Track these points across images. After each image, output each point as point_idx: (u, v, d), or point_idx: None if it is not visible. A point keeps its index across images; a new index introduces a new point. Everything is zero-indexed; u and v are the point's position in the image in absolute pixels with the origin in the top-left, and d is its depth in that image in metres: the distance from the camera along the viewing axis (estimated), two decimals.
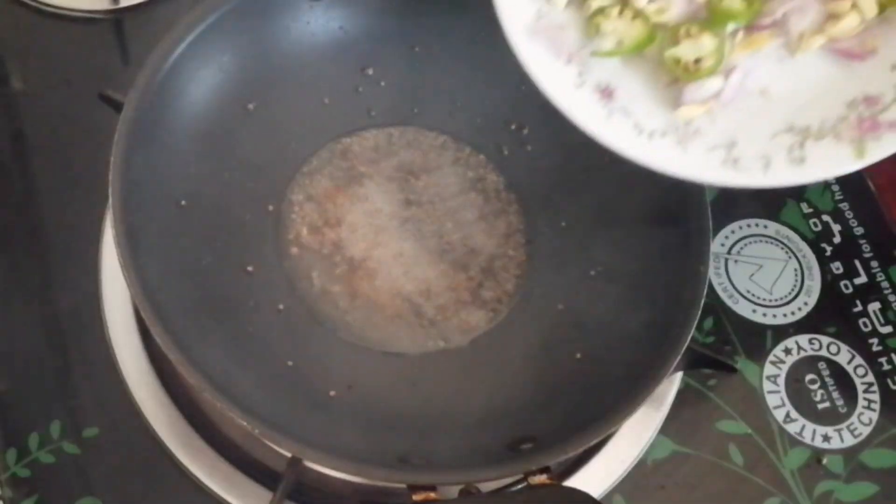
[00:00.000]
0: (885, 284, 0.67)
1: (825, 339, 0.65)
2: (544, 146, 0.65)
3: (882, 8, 0.48)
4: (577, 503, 0.46)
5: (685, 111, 0.49)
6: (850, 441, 0.61)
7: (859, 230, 0.69)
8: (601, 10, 0.50)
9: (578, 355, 0.57)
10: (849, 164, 0.46)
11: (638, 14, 0.50)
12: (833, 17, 0.48)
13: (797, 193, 0.70)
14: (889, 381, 0.63)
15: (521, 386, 0.56)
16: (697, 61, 0.49)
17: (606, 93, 0.50)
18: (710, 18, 0.49)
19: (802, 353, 0.64)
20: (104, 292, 0.61)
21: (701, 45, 0.49)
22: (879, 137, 0.46)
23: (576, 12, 0.51)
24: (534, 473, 0.48)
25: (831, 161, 0.47)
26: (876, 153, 0.46)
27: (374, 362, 0.58)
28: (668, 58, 0.49)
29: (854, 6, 0.48)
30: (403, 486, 0.48)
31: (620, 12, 0.50)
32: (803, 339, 0.65)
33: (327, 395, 0.55)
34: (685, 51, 0.49)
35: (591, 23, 0.50)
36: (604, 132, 0.49)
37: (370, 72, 0.66)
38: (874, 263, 0.67)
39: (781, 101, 0.49)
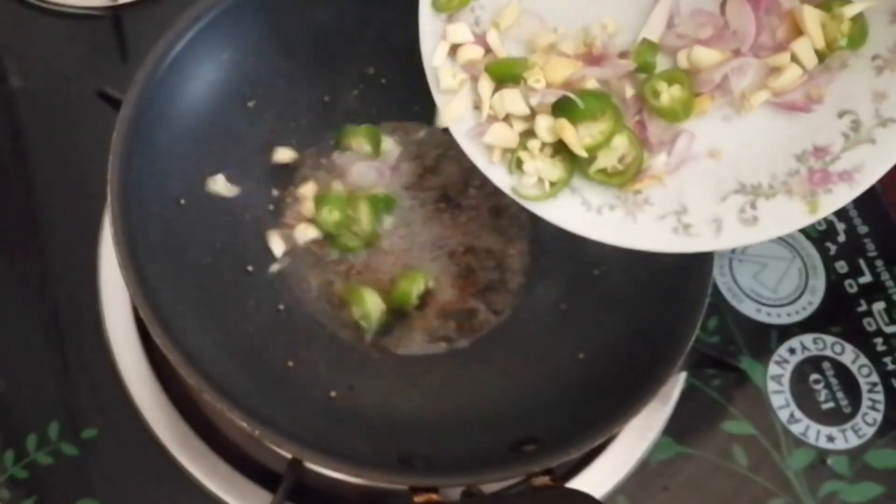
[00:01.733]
0: (889, 284, 0.66)
1: (829, 339, 0.64)
2: None
3: (821, 57, 0.47)
4: None
5: (634, 187, 0.49)
6: (854, 441, 0.61)
7: (864, 229, 0.68)
8: (523, 144, 0.50)
9: (581, 355, 0.57)
10: (802, 219, 0.46)
11: (557, 152, 0.50)
12: (774, 71, 0.48)
13: None
14: (894, 380, 0.63)
15: (523, 387, 0.56)
16: (621, 160, 0.49)
17: None
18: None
19: (807, 353, 0.64)
20: (103, 292, 0.61)
21: (615, 148, 0.49)
22: (831, 190, 0.46)
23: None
24: (536, 475, 0.48)
25: (784, 219, 0.47)
26: (828, 206, 0.46)
27: (375, 363, 0.58)
28: (595, 176, 0.49)
29: (793, 58, 0.47)
30: (405, 487, 0.47)
31: (541, 149, 0.50)
32: (808, 338, 0.64)
33: (328, 396, 0.55)
34: (604, 160, 0.49)
35: (513, 158, 0.50)
36: (551, 212, 0.49)
37: (371, 70, 0.65)
38: (879, 263, 0.67)
39: (731, 160, 0.49)
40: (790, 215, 0.46)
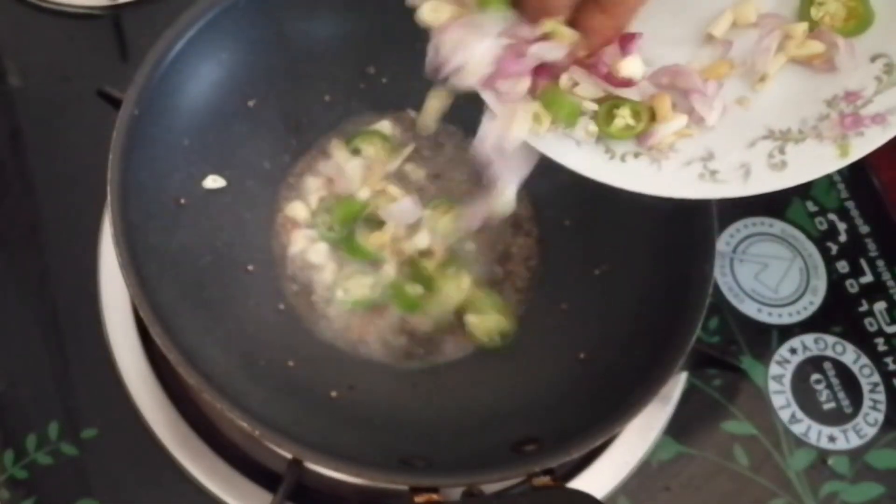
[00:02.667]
0: (890, 284, 0.66)
1: (831, 339, 0.64)
2: None
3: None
4: None
5: (659, 144, 0.48)
6: (855, 442, 0.61)
7: (865, 229, 0.68)
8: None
9: (582, 355, 0.57)
10: (832, 163, 0.45)
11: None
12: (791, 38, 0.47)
13: (803, 192, 0.69)
14: (895, 380, 0.63)
15: (523, 387, 0.56)
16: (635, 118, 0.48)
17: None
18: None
19: (808, 353, 0.64)
20: (103, 292, 0.61)
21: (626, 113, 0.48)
22: (863, 133, 0.45)
23: None
24: (537, 475, 0.48)
25: (814, 163, 0.46)
26: (860, 149, 0.45)
27: (375, 363, 0.58)
28: (615, 132, 0.48)
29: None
30: (405, 487, 0.47)
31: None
32: (809, 338, 0.64)
33: (328, 396, 0.55)
34: (622, 119, 0.48)
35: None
36: (575, 160, 0.48)
37: (371, 69, 0.65)
38: (880, 263, 0.67)
39: (759, 107, 0.48)
40: (820, 159, 0.45)
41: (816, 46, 0.47)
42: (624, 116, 0.47)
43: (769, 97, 0.48)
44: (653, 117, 0.47)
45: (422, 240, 0.60)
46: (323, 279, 0.59)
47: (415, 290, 0.59)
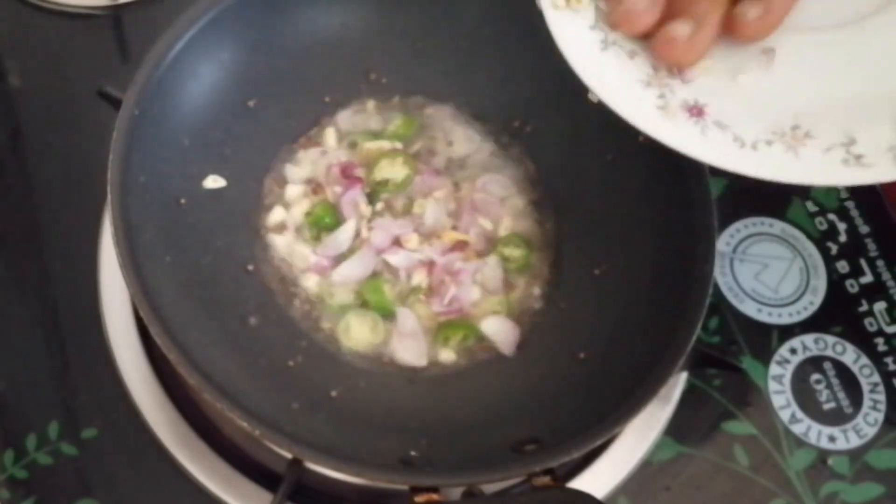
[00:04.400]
0: (891, 284, 0.66)
1: (831, 339, 0.64)
2: (547, 144, 0.64)
3: None
4: None
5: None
6: (855, 442, 0.61)
7: (865, 229, 0.68)
8: None
9: (582, 355, 0.57)
10: None
11: None
12: None
13: (803, 192, 0.69)
14: (895, 381, 0.63)
15: (524, 387, 0.56)
16: None
17: (696, 110, 0.47)
18: None
19: (808, 353, 0.64)
20: (103, 291, 0.61)
21: None
22: None
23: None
24: (537, 475, 0.48)
25: None
26: None
27: (375, 363, 0.58)
28: None
29: None
30: (405, 487, 0.47)
31: None
32: (809, 338, 0.64)
33: (328, 396, 0.55)
34: None
35: None
36: (703, 151, 0.47)
37: (371, 69, 0.65)
38: (880, 263, 0.67)
39: None
40: None
41: None
42: None
43: None
44: None
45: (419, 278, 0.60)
46: (309, 286, 0.59)
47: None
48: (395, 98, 0.65)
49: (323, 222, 0.60)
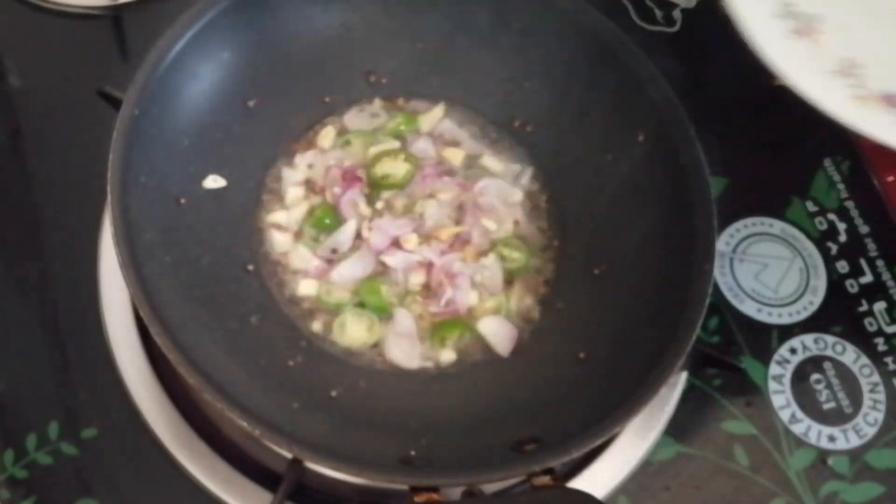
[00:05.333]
0: (890, 284, 0.66)
1: (831, 339, 0.64)
2: (546, 144, 0.64)
3: None
4: None
5: None
6: (855, 441, 0.61)
7: (865, 229, 0.68)
8: None
9: (582, 355, 0.57)
10: None
11: None
12: None
13: (803, 191, 0.69)
14: (895, 380, 0.63)
15: (523, 386, 0.56)
16: None
17: (891, 100, 0.46)
18: None
19: (808, 353, 0.64)
20: (103, 291, 0.61)
21: None
22: None
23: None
24: (537, 475, 0.48)
25: None
26: None
27: (375, 363, 0.57)
28: None
29: None
30: (405, 487, 0.47)
31: None
32: (809, 338, 0.64)
33: (328, 396, 0.55)
34: None
35: None
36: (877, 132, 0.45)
37: (372, 69, 0.65)
38: (880, 263, 0.67)
39: None
40: None
41: None
42: None
43: None
44: None
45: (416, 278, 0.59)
46: (308, 286, 0.59)
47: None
48: (395, 99, 0.65)
49: (323, 223, 0.60)
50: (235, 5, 0.58)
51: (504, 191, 0.63)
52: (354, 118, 0.65)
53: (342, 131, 0.64)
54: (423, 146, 0.64)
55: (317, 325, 0.58)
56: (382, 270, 0.60)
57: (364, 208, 0.61)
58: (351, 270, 0.59)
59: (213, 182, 0.59)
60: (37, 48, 0.70)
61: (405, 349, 0.57)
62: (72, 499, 0.56)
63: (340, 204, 0.61)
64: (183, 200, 0.57)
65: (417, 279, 0.59)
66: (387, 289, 0.59)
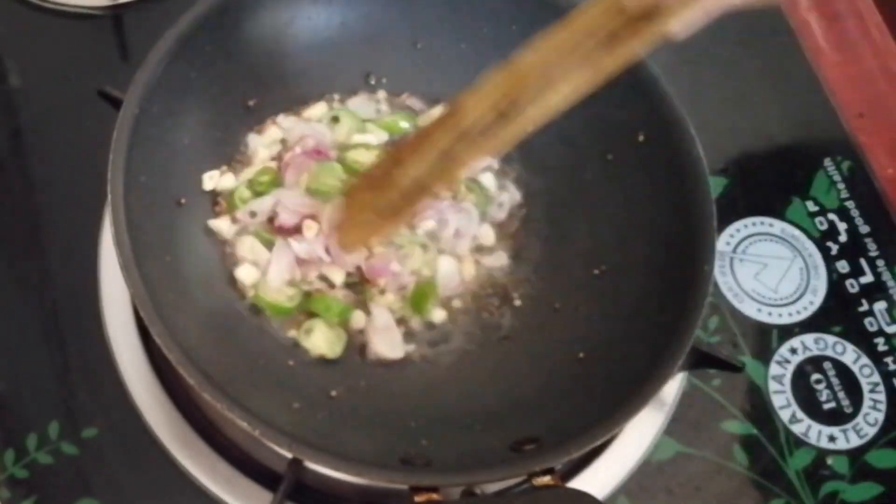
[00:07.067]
0: (891, 284, 0.66)
1: (831, 339, 0.64)
2: (546, 144, 0.64)
3: None
4: None
5: None
6: (855, 441, 0.61)
7: (865, 229, 0.68)
8: None
9: (581, 355, 0.57)
10: None
11: None
12: None
13: (803, 191, 0.69)
14: (895, 380, 0.63)
15: (523, 386, 0.56)
16: None
17: None
18: None
19: (808, 353, 0.64)
20: (103, 291, 0.61)
21: None
22: None
23: None
24: (537, 475, 0.48)
25: None
26: None
27: (375, 363, 0.57)
28: None
29: None
30: (405, 487, 0.47)
31: None
32: (809, 338, 0.64)
33: (328, 395, 0.55)
34: None
35: None
36: None
37: (371, 69, 0.65)
38: (880, 262, 0.67)
39: None
40: None
41: None
42: None
43: None
44: None
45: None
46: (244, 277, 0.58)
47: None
48: (394, 98, 0.65)
49: (258, 186, 0.58)
50: (235, 5, 0.58)
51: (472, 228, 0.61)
52: (359, 104, 0.64)
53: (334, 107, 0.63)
54: None
55: (292, 332, 0.57)
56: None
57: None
58: (277, 268, 0.56)
59: (213, 182, 0.59)
60: (37, 48, 0.70)
61: (387, 341, 0.57)
62: (72, 499, 0.56)
63: (287, 170, 0.58)
64: (183, 200, 0.57)
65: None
66: (333, 300, 0.57)
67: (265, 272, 0.57)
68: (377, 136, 0.63)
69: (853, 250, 0.67)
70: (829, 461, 0.60)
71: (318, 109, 0.63)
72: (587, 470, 0.58)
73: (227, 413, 0.47)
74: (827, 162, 0.71)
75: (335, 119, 0.63)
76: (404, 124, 0.64)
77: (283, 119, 0.62)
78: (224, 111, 0.60)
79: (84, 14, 0.72)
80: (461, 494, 0.49)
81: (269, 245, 0.58)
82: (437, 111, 0.65)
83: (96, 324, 0.60)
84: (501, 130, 0.47)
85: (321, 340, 0.57)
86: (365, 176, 0.56)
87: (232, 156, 0.61)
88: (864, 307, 0.65)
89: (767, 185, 0.70)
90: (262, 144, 0.61)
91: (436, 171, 0.49)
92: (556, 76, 0.45)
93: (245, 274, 0.57)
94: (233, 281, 0.57)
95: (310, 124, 0.62)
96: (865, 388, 0.63)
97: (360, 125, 0.63)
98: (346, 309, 0.57)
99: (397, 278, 0.58)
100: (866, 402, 0.62)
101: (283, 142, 0.61)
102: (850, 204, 0.69)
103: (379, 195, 0.52)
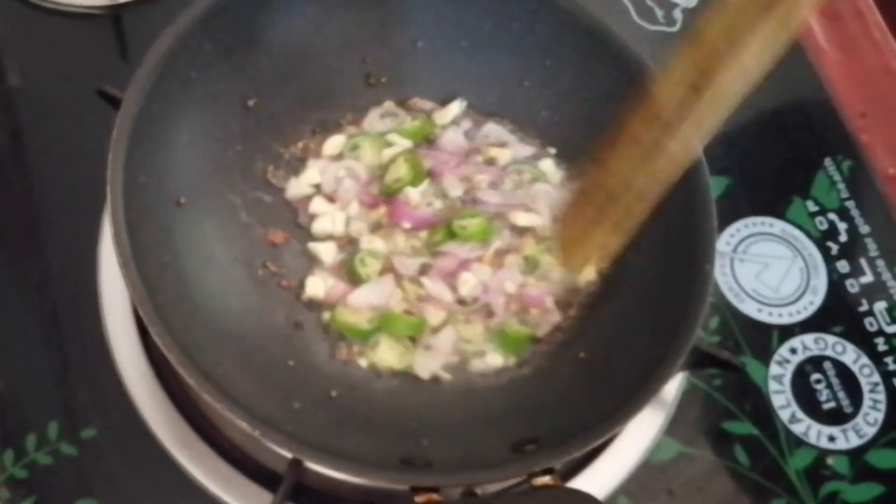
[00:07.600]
0: (891, 284, 0.66)
1: (831, 339, 0.64)
2: (546, 144, 0.64)
3: None
4: None
5: None
6: (855, 441, 0.61)
7: (865, 229, 0.68)
8: None
9: (582, 355, 0.57)
10: None
11: None
12: None
13: (803, 191, 0.69)
14: (895, 380, 0.63)
15: (524, 386, 0.56)
16: None
17: None
18: None
19: (808, 353, 0.64)
20: (103, 291, 0.61)
21: None
22: None
23: None
24: (537, 475, 0.48)
25: None
26: None
27: (375, 362, 0.57)
28: None
29: None
30: (405, 487, 0.47)
31: None
32: (809, 338, 0.64)
33: (328, 396, 0.55)
34: None
35: None
36: None
37: (371, 69, 0.65)
38: (880, 262, 0.67)
39: None
40: None
41: None
42: None
43: None
44: None
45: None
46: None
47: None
48: (403, 103, 0.65)
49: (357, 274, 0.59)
50: (235, 5, 0.58)
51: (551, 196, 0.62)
52: (373, 121, 0.64)
53: (350, 136, 0.63)
54: (452, 136, 0.63)
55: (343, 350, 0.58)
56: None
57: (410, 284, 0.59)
58: (367, 296, 0.58)
59: (213, 181, 0.59)
60: (37, 48, 0.70)
61: (426, 361, 0.57)
62: (72, 499, 0.56)
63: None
64: (183, 200, 0.57)
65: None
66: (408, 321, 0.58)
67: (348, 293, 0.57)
68: (403, 146, 0.63)
69: (853, 250, 0.67)
70: (830, 461, 0.60)
71: (336, 143, 0.63)
72: (587, 470, 0.58)
73: (227, 413, 0.47)
74: (827, 162, 0.71)
75: (355, 147, 0.63)
76: (430, 129, 0.64)
77: (312, 163, 0.62)
78: (224, 111, 0.60)
79: (84, 14, 0.72)
80: (461, 495, 0.49)
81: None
82: (454, 107, 0.64)
83: (96, 324, 0.60)
84: (697, 104, 0.44)
85: (388, 353, 0.57)
86: (577, 193, 0.55)
87: (230, 158, 0.60)
88: (864, 307, 0.65)
89: (768, 185, 0.70)
90: (302, 191, 0.61)
91: (645, 166, 0.47)
92: (743, 33, 0.42)
93: (316, 289, 0.58)
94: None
95: (339, 163, 0.62)
96: (865, 388, 0.63)
97: (382, 142, 0.63)
98: (420, 323, 0.57)
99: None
100: (866, 402, 0.62)
101: (318, 186, 0.62)
102: (850, 204, 0.69)
103: (598, 210, 0.51)
